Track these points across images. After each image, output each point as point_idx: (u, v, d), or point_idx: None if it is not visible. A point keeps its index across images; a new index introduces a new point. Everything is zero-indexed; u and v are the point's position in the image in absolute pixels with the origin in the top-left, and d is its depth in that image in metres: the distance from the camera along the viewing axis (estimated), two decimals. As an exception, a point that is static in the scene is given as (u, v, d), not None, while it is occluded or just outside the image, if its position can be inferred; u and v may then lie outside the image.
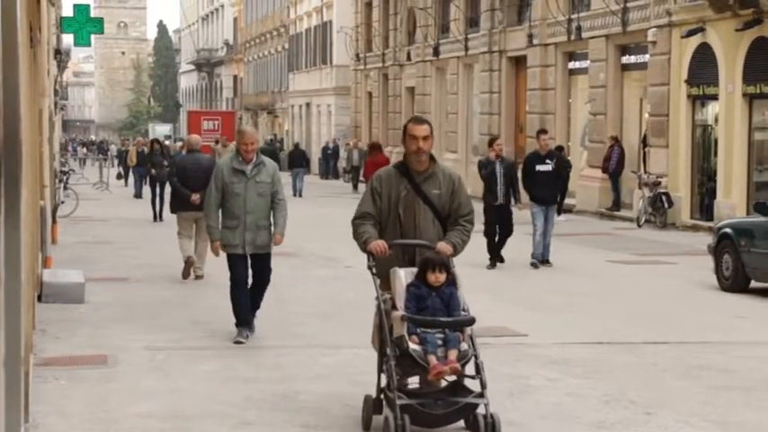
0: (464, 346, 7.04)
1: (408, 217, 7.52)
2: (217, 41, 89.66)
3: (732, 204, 22.56)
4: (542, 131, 18.14)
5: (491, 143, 17.52)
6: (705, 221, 23.46)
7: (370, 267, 7.40)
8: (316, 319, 11.95)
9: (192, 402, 8.13)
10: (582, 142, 30.57)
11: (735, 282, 14.53)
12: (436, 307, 7.14)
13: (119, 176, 41.87)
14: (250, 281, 10.86)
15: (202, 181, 13.66)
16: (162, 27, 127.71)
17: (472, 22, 37.11)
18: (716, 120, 24.03)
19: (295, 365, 9.51)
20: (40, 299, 12.48)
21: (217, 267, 17.81)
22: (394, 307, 7.18)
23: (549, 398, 8.48)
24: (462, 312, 7.23)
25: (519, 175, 17.41)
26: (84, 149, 77.62)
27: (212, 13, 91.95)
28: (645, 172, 26.08)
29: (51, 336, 10.82)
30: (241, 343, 10.38)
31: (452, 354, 6.93)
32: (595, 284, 15.27)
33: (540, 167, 17.13)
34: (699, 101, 24.93)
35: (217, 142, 44.64)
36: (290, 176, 37.78)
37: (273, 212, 10.75)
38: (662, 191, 24.74)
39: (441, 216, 7.55)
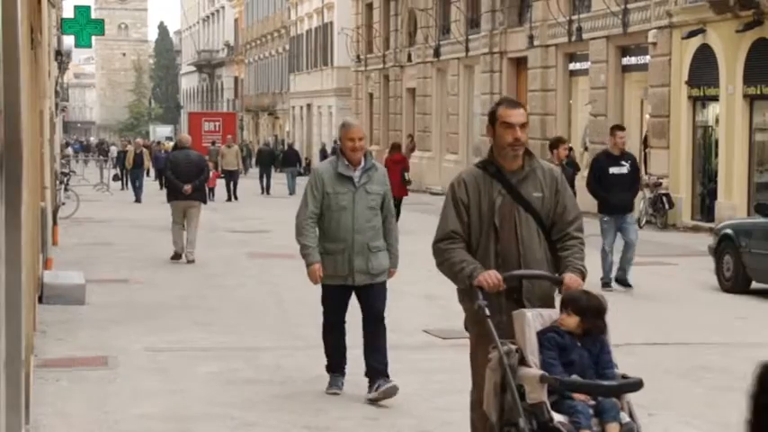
0: (624, 416, 5.48)
1: (508, 231, 5.81)
2: (218, 43, 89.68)
3: (733, 205, 22.56)
4: (618, 128, 15.42)
5: (557, 145, 15.13)
6: (706, 222, 23.47)
7: (481, 307, 5.62)
8: (316, 321, 11.93)
9: (192, 404, 8.13)
10: (582, 143, 30.57)
11: (735, 283, 14.53)
12: (584, 364, 5.47)
13: (115, 178, 41.62)
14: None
15: (193, 174, 17.27)
16: (163, 28, 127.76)
17: (473, 24, 37.11)
18: (716, 121, 24.03)
19: (296, 367, 9.51)
20: (40, 300, 12.48)
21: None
22: (522, 362, 5.47)
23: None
24: (616, 371, 5.59)
25: (577, 181, 15.42)
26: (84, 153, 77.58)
27: (213, 14, 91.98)
28: (646, 173, 26.08)
29: (52, 337, 10.82)
30: (335, 394, 8.48)
31: (613, 429, 5.35)
32: (595, 285, 15.28)
33: (613, 170, 14.70)
34: (699, 102, 24.94)
35: (213, 143, 44.71)
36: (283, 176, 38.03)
37: (384, 234, 8.51)
38: (663, 192, 24.75)
39: (545, 226, 5.89)
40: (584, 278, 5.75)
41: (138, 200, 33.16)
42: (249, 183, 36.00)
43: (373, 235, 8.37)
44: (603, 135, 28.50)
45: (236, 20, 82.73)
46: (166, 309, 12.56)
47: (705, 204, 24.54)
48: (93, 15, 29.65)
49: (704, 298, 14.33)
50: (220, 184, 34.64)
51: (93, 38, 32.14)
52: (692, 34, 24.03)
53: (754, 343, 10.94)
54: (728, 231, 14.88)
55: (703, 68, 24.04)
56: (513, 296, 5.78)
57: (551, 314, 5.61)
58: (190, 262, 17.04)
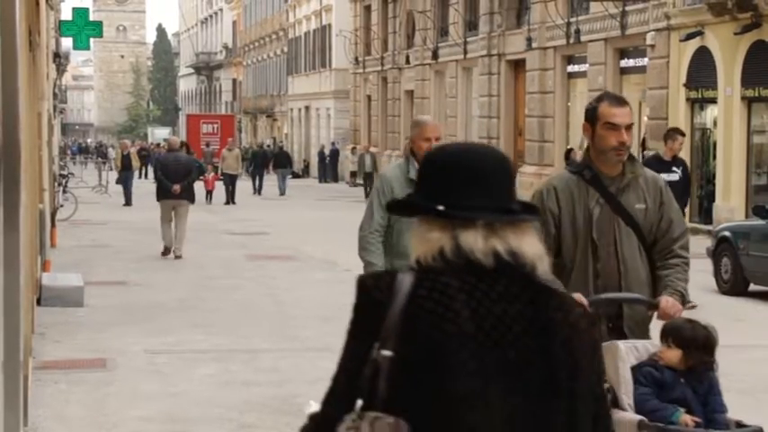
0: None
1: (607, 247, 4.99)
2: (216, 45, 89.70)
3: (731, 207, 22.57)
4: (677, 131, 13.89)
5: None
6: (704, 224, 23.47)
7: None
8: (315, 323, 11.94)
9: (190, 406, 8.13)
10: (581, 146, 30.56)
11: (734, 285, 14.53)
12: (689, 405, 4.68)
13: (118, 181, 41.25)
14: None
15: (181, 175, 18.34)
16: (161, 30, 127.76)
17: (471, 26, 37.13)
18: (714, 123, 24.05)
19: (294, 369, 9.51)
20: (39, 302, 12.48)
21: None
22: (615, 404, 4.65)
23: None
24: (729, 417, 4.83)
25: None
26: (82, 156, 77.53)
27: (211, 16, 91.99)
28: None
29: (50, 339, 10.81)
30: None
31: None
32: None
33: (664, 177, 13.84)
34: (697, 104, 24.95)
35: (208, 145, 44.77)
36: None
37: None
38: (661, 194, 24.74)
39: (646, 242, 5.06)
40: (684, 303, 4.92)
41: (127, 203, 32.44)
42: (241, 184, 36.06)
43: None
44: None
45: (234, 22, 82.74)
46: (165, 311, 12.56)
47: (703, 206, 24.55)
48: (92, 17, 29.68)
49: (702, 300, 14.33)
50: (219, 187, 34.62)
51: (92, 40, 32.16)
52: (690, 36, 24.05)
53: (752, 345, 10.95)
54: (726, 234, 14.89)
55: (701, 71, 24.06)
56: (608, 324, 4.92)
57: (647, 346, 4.79)
58: (177, 258, 18.02)
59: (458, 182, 2.35)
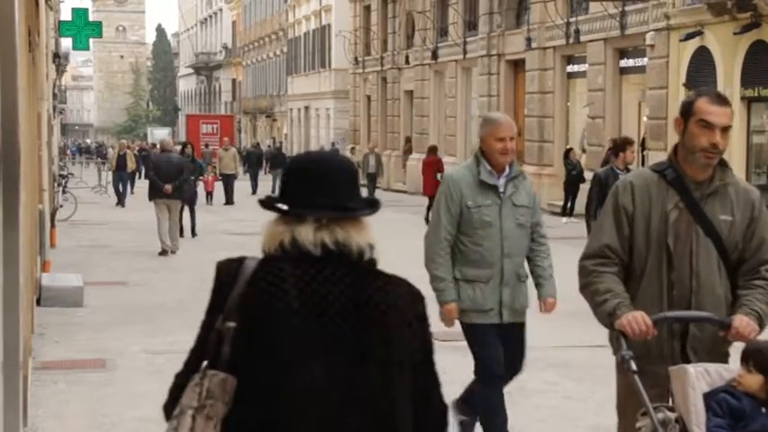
0: None
1: (682, 257, 4.49)
2: (215, 45, 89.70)
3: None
4: (631, 142, 13.28)
5: (623, 147, 12.30)
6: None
7: (625, 359, 4.26)
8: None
9: (190, 406, 8.12)
10: (581, 145, 30.58)
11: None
12: None
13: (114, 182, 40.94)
14: None
15: (174, 175, 19.02)
16: (160, 31, 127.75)
17: (471, 26, 37.13)
18: (714, 123, 24.05)
19: (294, 369, 9.50)
20: (38, 302, 12.48)
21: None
22: None
23: (548, 401, 8.49)
24: None
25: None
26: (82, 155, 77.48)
27: (211, 16, 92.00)
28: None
29: (50, 339, 10.82)
30: None
31: None
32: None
33: None
34: (697, 104, 24.95)
35: (207, 146, 44.76)
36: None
37: (532, 257, 6.83)
38: (660, 194, 24.76)
39: (728, 259, 4.54)
40: (762, 326, 4.42)
41: (119, 203, 32.32)
42: (238, 183, 36.03)
43: (522, 260, 6.74)
44: (602, 137, 28.55)
45: (233, 22, 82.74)
46: (164, 311, 12.56)
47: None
48: (91, 18, 29.68)
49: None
50: (218, 188, 34.59)
51: (91, 40, 32.14)
52: (689, 36, 24.05)
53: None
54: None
55: (701, 70, 24.05)
56: (683, 342, 4.49)
57: (721, 371, 4.25)
58: (172, 252, 18.81)
59: (302, 185, 2.84)
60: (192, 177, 21.84)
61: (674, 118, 4.66)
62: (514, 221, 6.59)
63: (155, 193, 19.32)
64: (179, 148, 23.64)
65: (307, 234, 2.79)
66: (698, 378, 4.16)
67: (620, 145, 12.37)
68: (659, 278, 4.49)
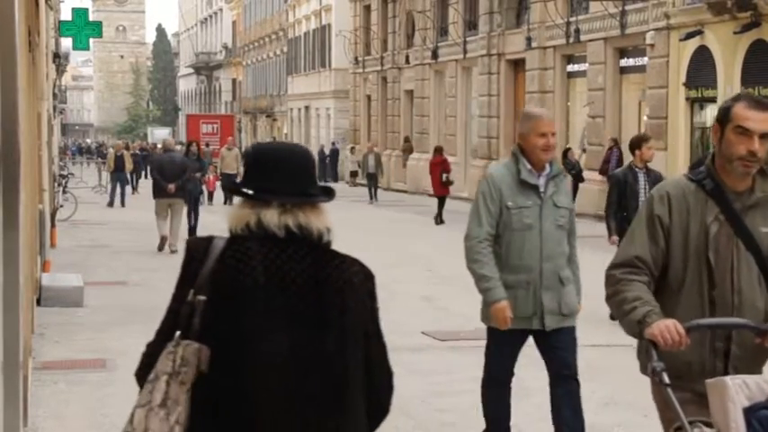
0: None
1: (723, 272, 4.23)
2: (215, 45, 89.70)
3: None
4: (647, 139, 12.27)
5: (639, 144, 11.69)
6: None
7: (656, 371, 4.00)
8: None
9: (190, 406, 8.13)
10: (581, 145, 30.59)
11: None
12: None
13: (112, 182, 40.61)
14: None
15: (176, 174, 19.35)
16: (161, 30, 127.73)
17: (471, 25, 37.13)
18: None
19: (294, 369, 9.50)
20: (38, 302, 12.48)
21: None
22: None
23: (548, 400, 8.47)
24: None
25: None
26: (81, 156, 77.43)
27: (211, 16, 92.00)
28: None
29: (50, 339, 10.81)
30: None
31: None
32: (593, 287, 15.26)
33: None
34: (697, 103, 24.96)
35: (207, 145, 44.69)
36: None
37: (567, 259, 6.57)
38: (661, 193, 24.76)
39: None
40: None
41: (111, 203, 32.18)
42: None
43: (563, 263, 6.41)
44: (602, 137, 28.58)
45: (233, 22, 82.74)
46: (164, 311, 12.54)
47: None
48: (91, 18, 29.68)
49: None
50: (219, 187, 34.57)
51: (91, 40, 32.13)
52: (689, 36, 24.05)
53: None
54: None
55: (701, 70, 24.06)
56: (715, 361, 4.22)
57: (760, 383, 3.95)
58: (172, 252, 18.72)
59: (266, 172, 3.13)
60: (200, 175, 22.26)
61: (712, 125, 4.39)
62: (554, 223, 6.32)
63: (157, 192, 19.75)
64: (179, 147, 23.67)
65: (272, 217, 3.08)
66: (737, 392, 3.88)
67: (635, 142, 11.90)
68: (700, 294, 4.21)
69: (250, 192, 3.13)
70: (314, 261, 3.09)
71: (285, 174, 3.12)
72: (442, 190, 26.96)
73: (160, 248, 19.31)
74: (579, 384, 6.48)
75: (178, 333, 3.08)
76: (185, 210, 20.24)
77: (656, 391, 4.33)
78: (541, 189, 6.27)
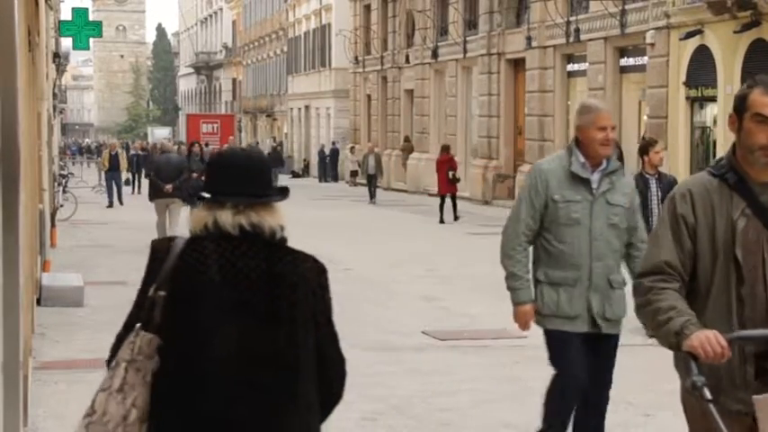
0: None
1: (754, 269, 3.92)
2: (216, 45, 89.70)
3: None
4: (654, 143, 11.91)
5: (646, 149, 11.37)
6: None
7: (697, 386, 3.68)
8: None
9: (191, 405, 8.13)
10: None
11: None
12: None
13: (126, 182, 40.30)
14: None
15: (173, 175, 19.57)
16: (161, 30, 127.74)
17: (471, 25, 37.12)
18: (714, 121, 24.05)
19: (294, 368, 9.50)
20: (39, 302, 12.48)
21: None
22: None
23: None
24: None
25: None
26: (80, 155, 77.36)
27: (211, 16, 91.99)
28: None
29: (50, 339, 10.82)
30: None
31: None
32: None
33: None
34: (697, 103, 24.94)
35: (207, 144, 44.61)
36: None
37: (628, 263, 6.22)
38: (661, 193, 24.75)
39: None
40: None
41: (110, 204, 31.99)
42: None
43: (615, 265, 6.08)
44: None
45: (233, 22, 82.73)
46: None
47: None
48: (91, 17, 29.67)
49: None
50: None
51: (91, 40, 32.12)
52: (689, 35, 24.04)
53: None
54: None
55: (701, 69, 24.05)
56: (758, 365, 3.85)
57: None
58: None
59: (222, 177, 3.37)
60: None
61: (729, 115, 4.11)
62: (606, 221, 6.00)
63: (155, 193, 19.88)
64: (176, 147, 23.67)
65: (227, 218, 3.32)
66: None
67: (642, 148, 11.48)
68: (728, 295, 3.91)
69: (207, 195, 3.37)
70: (266, 257, 3.32)
71: (239, 177, 3.36)
72: (449, 188, 27.28)
73: None
74: (609, 398, 6.28)
75: (138, 325, 3.37)
76: (184, 209, 20.24)
77: (692, 406, 4.04)
78: (594, 185, 5.99)
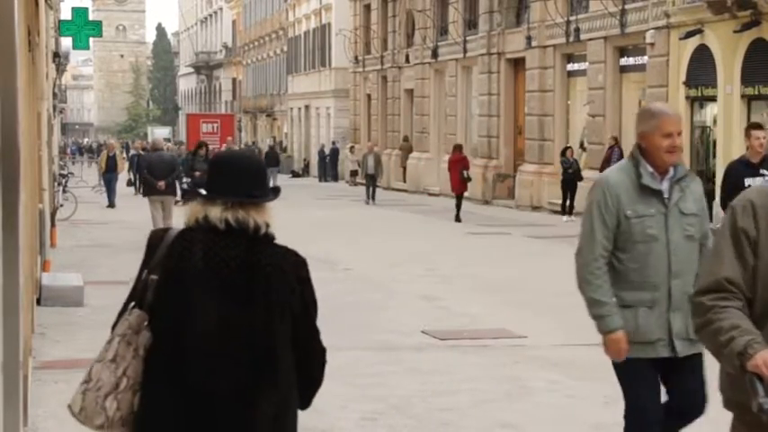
0: None
1: None
2: (215, 44, 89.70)
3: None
4: (756, 126, 11.34)
5: (747, 132, 10.31)
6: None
7: (764, 408, 3.32)
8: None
9: (191, 405, 8.12)
10: (581, 144, 30.59)
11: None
12: None
13: (129, 183, 40.00)
14: None
15: (165, 172, 20.04)
16: (161, 30, 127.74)
17: (471, 25, 37.12)
18: (714, 121, 24.06)
19: (294, 368, 9.49)
20: (39, 302, 12.48)
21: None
22: None
23: (549, 400, 8.48)
24: None
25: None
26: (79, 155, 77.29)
27: (211, 15, 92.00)
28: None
29: (50, 339, 10.82)
30: None
31: None
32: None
33: (750, 181, 10.54)
34: (697, 102, 24.95)
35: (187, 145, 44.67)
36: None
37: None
38: (661, 192, 24.76)
39: None
40: None
41: (111, 204, 31.70)
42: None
43: (693, 280, 5.33)
44: (602, 136, 28.56)
45: (233, 21, 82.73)
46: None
47: (703, 205, 24.54)
48: (91, 17, 29.66)
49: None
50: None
51: (91, 39, 32.11)
52: (689, 35, 24.04)
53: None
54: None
55: (701, 69, 24.05)
56: None
57: None
58: None
59: (217, 177, 3.78)
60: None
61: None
62: (683, 233, 5.48)
63: (148, 190, 20.48)
64: (170, 144, 23.79)
65: (215, 213, 3.71)
66: None
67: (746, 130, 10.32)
68: None
69: (203, 192, 3.78)
70: (246, 249, 3.70)
71: (232, 178, 3.75)
72: (461, 188, 27.61)
73: None
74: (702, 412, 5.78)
75: (132, 304, 3.78)
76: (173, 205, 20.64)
77: (746, 423, 3.67)
78: (665, 195, 5.45)
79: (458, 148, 28.96)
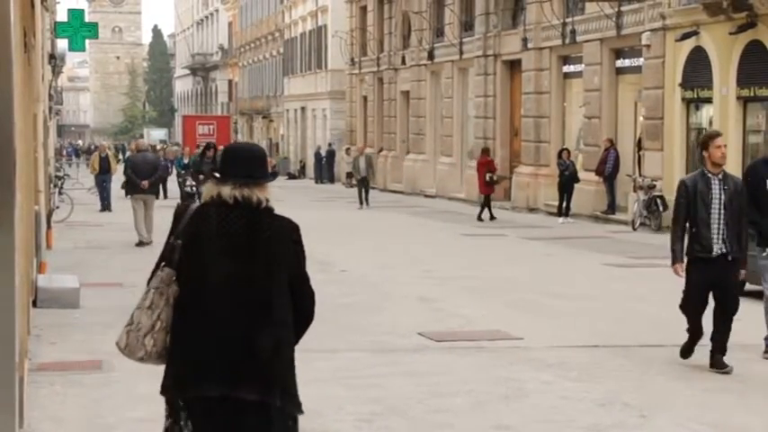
0: None
1: None
2: (212, 46, 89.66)
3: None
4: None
5: (706, 143, 9.84)
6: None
7: None
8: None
9: (187, 407, 8.12)
10: (577, 146, 30.60)
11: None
12: None
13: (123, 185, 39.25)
14: None
15: (149, 172, 21.06)
16: (157, 31, 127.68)
17: (467, 26, 37.13)
18: (710, 123, 24.07)
19: (290, 370, 9.49)
20: (34, 304, 12.46)
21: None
22: None
23: (545, 401, 8.49)
24: None
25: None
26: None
27: (207, 17, 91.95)
28: (640, 175, 26.12)
29: (46, 341, 10.80)
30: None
31: None
32: (590, 287, 15.28)
33: None
34: (693, 104, 24.97)
35: (206, 147, 44.54)
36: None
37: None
38: (657, 194, 24.79)
39: None
40: None
41: (105, 208, 31.25)
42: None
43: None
44: (598, 137, 28.57)
45: (230, 23, 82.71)
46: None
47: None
48: (87, 18, 29.65)
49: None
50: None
51: (87, 41, 32.07)
52: (685, 36, 24.06)
53: (748, 344, 10.96)
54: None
55: (697, 70, 24.07)
56: None
57: None
58: (147, 244, 20.04)
59: (228, 162, 4.80)
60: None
61: None
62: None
63: (131, 189, 21.23)
64: (160, 144, 23.78)
65: (226, 191, 4.72)
66: None
67: (704, 141, 10.02)
68: None
69: (217, 175, 4.77)
70: (250, 218, 4.71)
71: (239, 163, 4.77)
72: (487, 189, 28.37)
73: (139, 246, 20.22)
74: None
75: (163, 263, 4.77)
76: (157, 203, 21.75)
77: None
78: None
79: (485, 151, 30.14)
